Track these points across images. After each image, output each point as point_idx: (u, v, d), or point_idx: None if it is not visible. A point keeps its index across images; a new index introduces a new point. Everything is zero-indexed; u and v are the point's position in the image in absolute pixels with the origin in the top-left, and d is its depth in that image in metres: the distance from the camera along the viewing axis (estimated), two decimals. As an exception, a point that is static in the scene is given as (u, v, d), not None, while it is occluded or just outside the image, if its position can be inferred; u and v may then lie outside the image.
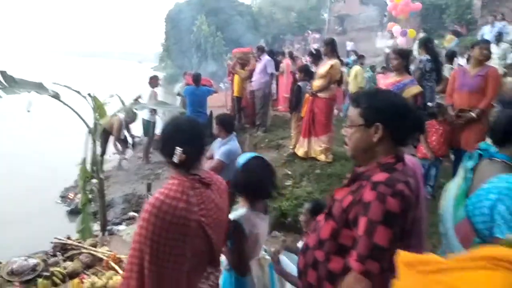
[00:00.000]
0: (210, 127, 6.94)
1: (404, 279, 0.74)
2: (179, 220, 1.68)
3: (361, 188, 1.43)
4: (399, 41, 15.32)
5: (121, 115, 8.01)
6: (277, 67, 9.18)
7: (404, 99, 1.59)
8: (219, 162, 3.87)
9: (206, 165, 3.76)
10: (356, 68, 9.91)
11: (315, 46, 20.00)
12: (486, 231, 1.58)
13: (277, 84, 10.04)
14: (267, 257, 2.40)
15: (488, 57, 4.21)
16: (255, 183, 2.18)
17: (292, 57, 10.99)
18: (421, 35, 13.62)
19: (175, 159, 1.73)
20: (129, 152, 9.47)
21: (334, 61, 5.61)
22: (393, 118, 1.47)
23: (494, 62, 8.41)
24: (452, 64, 7.27)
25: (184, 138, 1.76)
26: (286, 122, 8.37)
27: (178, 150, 1.73)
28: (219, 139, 4.12)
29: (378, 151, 1.51)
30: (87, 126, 4.72)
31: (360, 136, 1.53)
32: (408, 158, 2.29)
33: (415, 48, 10.99)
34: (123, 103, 5.39)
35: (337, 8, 28.89)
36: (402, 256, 0.81)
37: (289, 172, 5.61)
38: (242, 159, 2.27)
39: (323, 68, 5.65)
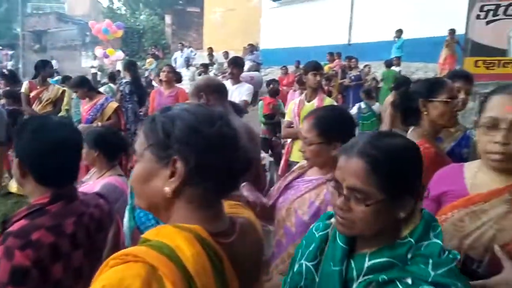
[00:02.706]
0: None
1: None
2: None
3: None
4: (106, 61, 15.54)
5: None
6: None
7: (53, 139, 1.31)
8: None
9: None
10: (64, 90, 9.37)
11: (10, 64, 17.48)
12: None
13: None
14: None
15: (171, 79, 4.94)
16: None
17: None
18: (121, 55, 14.31)
19: None
20: None
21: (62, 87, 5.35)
22: (30, 157, 1.29)
23: (186, 83, 9.90)
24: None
25: None
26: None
27: None
28: None
29: (30, 190, 1.32)
30: None
31: (15, 171, 1.34)
32: (115, 180, 2.42)
33: (119, 69, 11.48)
34: None
35: (31, 23, 26.13)
36: None
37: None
38: None
39: (51, 93, 5.23)
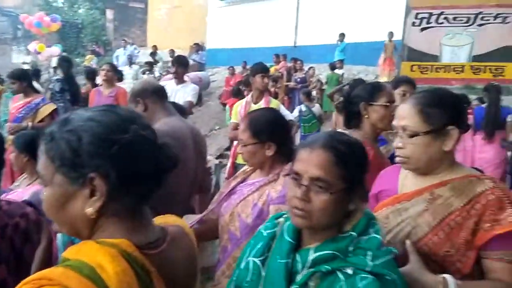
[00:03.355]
0: None
1: None
2: None
3: None
4: (40, 57, 14.57)
5: None
6: None
7: None
8: None
9: None
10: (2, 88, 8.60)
11: None
12: None
13: None
14: None
15: (110, 78, 4.66)
16: None
17: None
18: (56, 50, 13.52)
19: None
20: None
21: None
22: None
23: (128, 82, 9.55)
24: (94, 82, 7.53)
25: None
26: None
27: None
28: None
29: None
30: None
31: None
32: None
33: (54, 65, 10.81)
34: None
35: (-46, 13, 23.86)
36: None
37: None
38: None
39: None
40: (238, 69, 11.64)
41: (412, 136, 1.26)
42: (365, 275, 0.93)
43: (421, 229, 1.24)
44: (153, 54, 12.32)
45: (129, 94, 2.34)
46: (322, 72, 10.64)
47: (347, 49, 10.65)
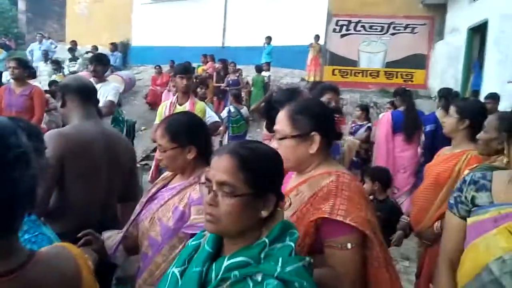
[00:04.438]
0: None
1: None
2: None
3: None
4: None
5: None
6: None
7: None
8: None
9: None
10: None
11: None
12: None
13: None
14: None
15: (19, 75, 4.27)
16: None
17: None
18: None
19: None
20: None
21: None
22: None
23: (44, 79, 8.86)
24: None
25: None
26: None
27: None
28: None
29: None
30: None
31: None
32: None
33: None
34: None
35: None
36: None
37: None
38: None
39: None
40: (166, 68, 11.35)
41: (281, 138, 1.39)
42: (273, 280, 0.93)
43: None
44: (71, 49, 11.51)
45: None
46: (250, 74, 10.77)
47: (274, 51, 10.92)
